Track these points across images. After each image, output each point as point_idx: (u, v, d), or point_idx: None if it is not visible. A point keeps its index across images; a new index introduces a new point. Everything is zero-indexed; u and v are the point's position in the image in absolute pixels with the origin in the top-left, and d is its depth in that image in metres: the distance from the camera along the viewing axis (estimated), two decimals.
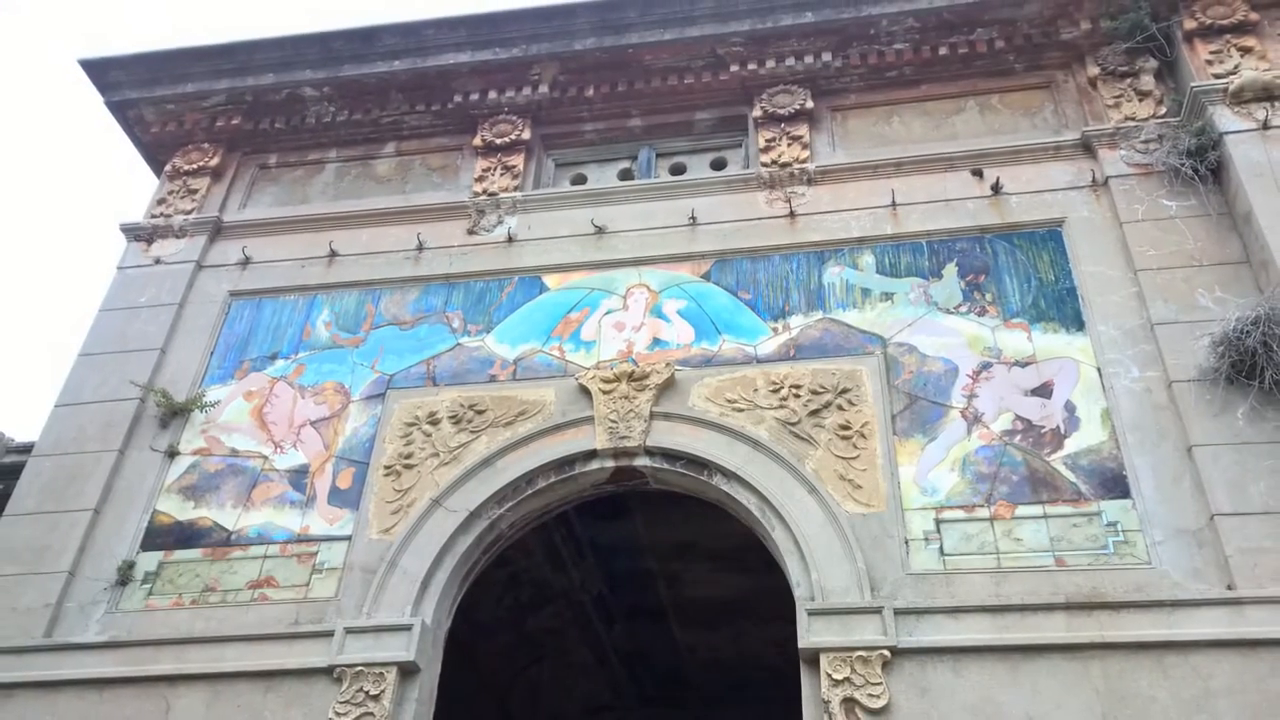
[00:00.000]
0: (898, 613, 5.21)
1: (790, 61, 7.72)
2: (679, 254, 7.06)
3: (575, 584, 9.24)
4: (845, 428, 5.98)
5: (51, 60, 28.23)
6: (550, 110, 8.09)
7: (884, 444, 5.89)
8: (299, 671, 5.57)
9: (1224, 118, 6.54)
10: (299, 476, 6.48)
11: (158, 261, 7.76)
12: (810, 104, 7.60)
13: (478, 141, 7.97)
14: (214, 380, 7.09)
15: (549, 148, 8.15)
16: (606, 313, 6.88)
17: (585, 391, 6.41)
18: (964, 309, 6.41)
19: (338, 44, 8.19)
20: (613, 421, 6.20)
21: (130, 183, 29.86)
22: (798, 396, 6.16)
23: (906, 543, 5.51)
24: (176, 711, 5.55)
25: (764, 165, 7.37)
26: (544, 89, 8.01)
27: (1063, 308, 6.29)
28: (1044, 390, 5.97)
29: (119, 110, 8.42)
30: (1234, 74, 6.70)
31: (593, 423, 6.25)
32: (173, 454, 6.70)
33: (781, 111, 7.60)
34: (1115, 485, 5.53)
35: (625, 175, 7.90)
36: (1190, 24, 7.08)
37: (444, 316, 7.10)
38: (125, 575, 6.17)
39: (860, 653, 5.09)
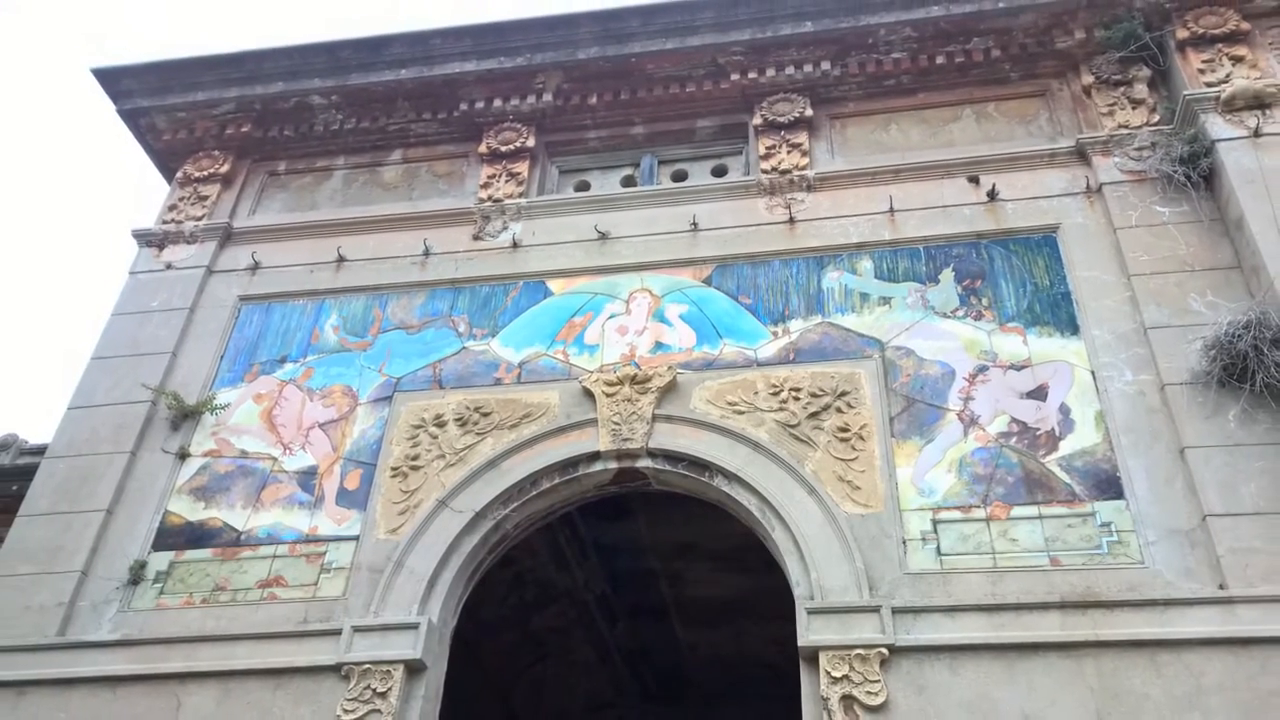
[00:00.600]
0: (895, 612, 5.27)
1: (790, 70, 7.81)
2: (681, 259, 7.14)
3: (579, 583, 9.31)
4: (844, 430, 6.06)
5: (60, 65, 28.39)
6: (554, 118, 8.19)
7: (882, 446, 5.96)
8: (308, 669, 5.64)
9: (1216, 125, 6.62)
10: (307, 478, 6.57)
11: (169, 266, 7.86)
12: (810, 112, 7.70)
13: (483, 149, 8.06)
14: (224, 383, 7.18)
15: (553, 155, 8.24)
16: (610, 317, 6.97)
17: (589, 394, 6.49)
18: (961, 313, 6.49)
19: (345, 53, 8.28)
20: (616, 424, 6.29)
21: (142, 188, 30.04)
22: (797, 399, 6.25)
23: (904, 543, 5.58)
24: (187, 709, 5.62)
25: (764, 172, 7.45)
26: (548, 97, 8.11)
27: (1058, 312, 6.37)
28: (1039, 393, 6.05)
29: (131, 118, 8.52)
30: (1226, 82, 6.78)
31: (596, 425, 6.33)
32: (184, 456, 6.80)
33: (781, 119, 7.69)
34: (1109, 486, 5.60)
35: (628, 182, 7.98)
36: (1183, 33, 7.18)
37: (450, 320, 7.19)
38: (137, 575, 6.25)
39: (859, 651, 5.15)
